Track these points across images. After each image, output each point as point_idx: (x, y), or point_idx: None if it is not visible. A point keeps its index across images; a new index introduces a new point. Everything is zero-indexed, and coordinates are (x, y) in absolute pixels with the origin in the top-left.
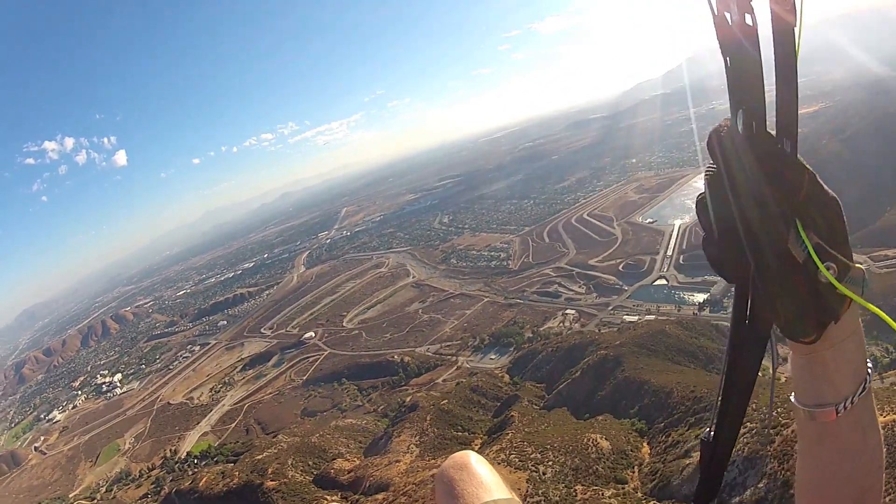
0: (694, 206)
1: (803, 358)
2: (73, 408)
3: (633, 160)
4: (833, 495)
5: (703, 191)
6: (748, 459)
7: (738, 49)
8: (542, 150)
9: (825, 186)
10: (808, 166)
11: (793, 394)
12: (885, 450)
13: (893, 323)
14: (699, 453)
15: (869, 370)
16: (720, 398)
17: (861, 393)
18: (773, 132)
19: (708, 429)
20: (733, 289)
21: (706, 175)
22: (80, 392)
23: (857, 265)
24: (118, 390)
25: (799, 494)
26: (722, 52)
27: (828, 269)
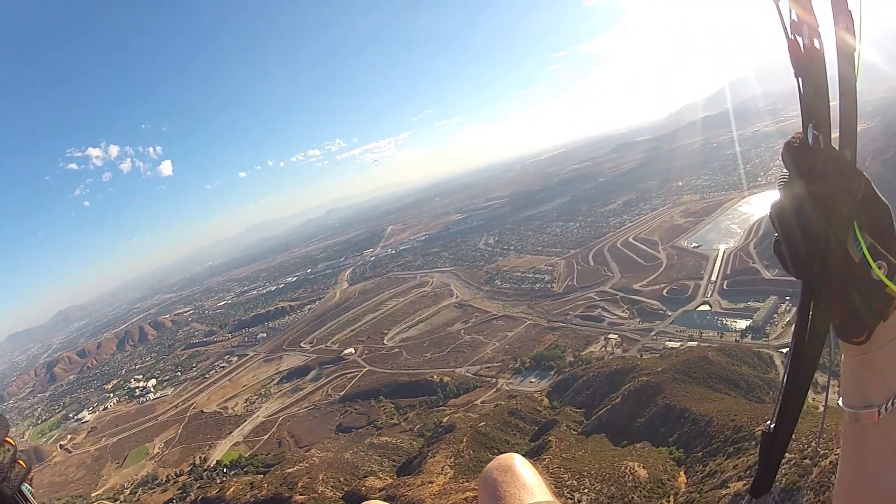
0: (769, 211)
1: (853, 360)
2: (104, 409)
3: (679, 183)
4: (872, 498)
5: (777, 198)
6: (785, 491)
7: (808, 70)
8: (589, 172)
9: (878, 192)
10: (864, 173)
11: (840, 398)
12: None
13: None
14: (759, 444)
15: None
16: (782, 391)
17: None
18: (836, 144)
19: (769, 421)
20: (800, 292)
21: (780, 182)
22: (112, 395)
23: None
24: (151, 395)
25: (837, 497)
26: (795, 74)
27: (879, 267)
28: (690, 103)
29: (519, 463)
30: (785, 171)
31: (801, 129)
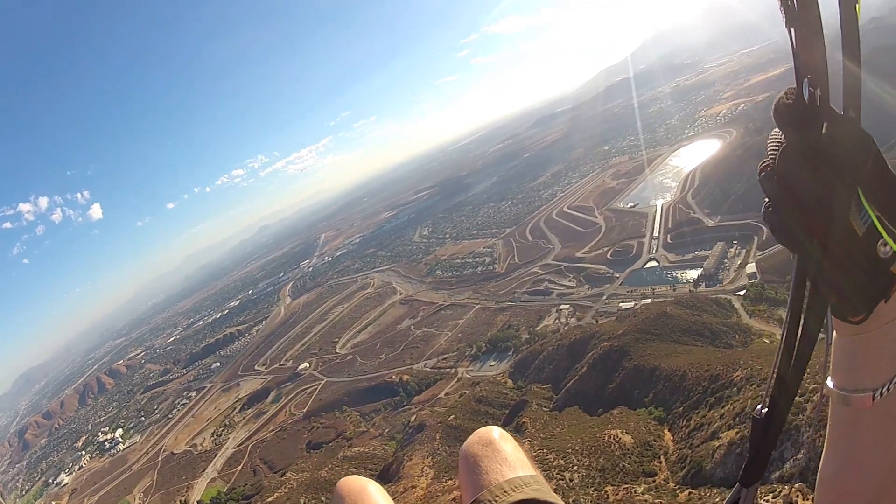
0: (758, 174)
1: (847, 339)
2: (80, 469)
3: (606, 147)
4: (860, 487)
5: (769, 160)
6: (783, 431)
7: (801, 18)
8: (512, 150)
9: (887, 162)
10: (873, 138)
11: (829, 377)
12: None
13: None
14: (750, 430)
15: None
16: (775, 374)
17: None
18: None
19: (760, 406)
20: (793, 266)
21: (771, 142)
22: (83, 452)
23: None
24: (121, 446)
25: (823, 483)
26: (786, 24)
27: (884, 244)
28: (607, 67)
29: (499, 436)
30: (777, 130)
31: (793, 85)
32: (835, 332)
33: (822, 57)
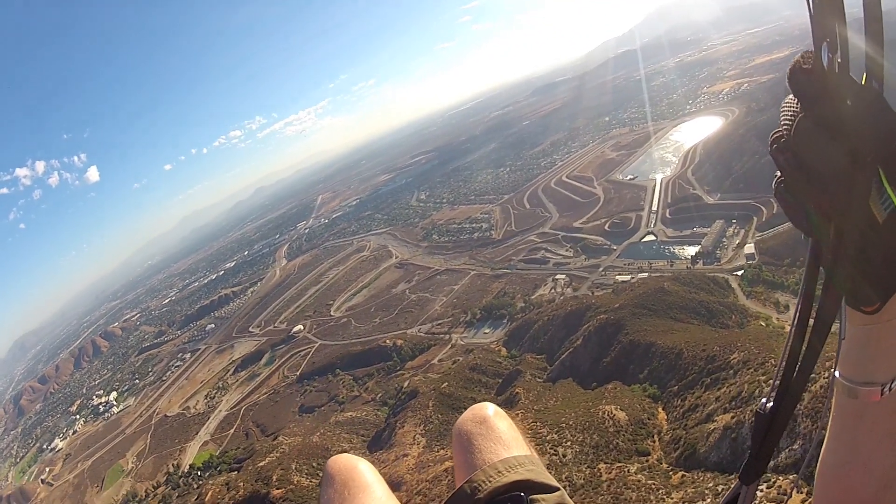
0: (770, 146)
1: (859, 329)
2: (74, 433)
3: (607, 118)
4: (864, 482)
5: (780, 128)
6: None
7: None
8: (512, 117)
9: None
10: None
11: (836, 367)
12: None
13: None
14: (753, 425)
15: None
16: (783, 367)
17: None
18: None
19: (765, 400)
20: (808, 250)
21: (785, 110)
22: (78, 416)
23: None
24: (115, 409)
25: (824, 476)
26: None
27: None
28: (609, 39)
29: (493, 413)
30: (791, 97)
31: (811, 50)
32: (848, 320)
33: (841, 20)
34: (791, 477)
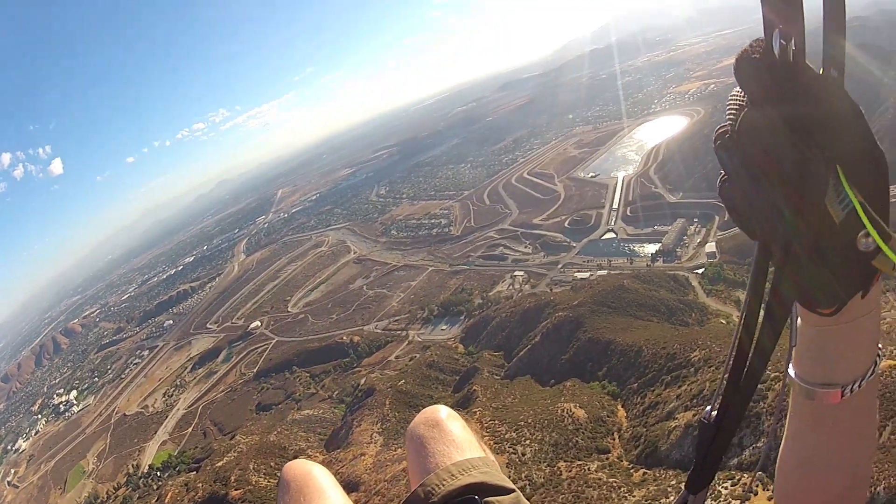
0: (713, 141)
1: (815, 330)
2: (36, 433)
3: (570, 116)
4: (824, 480)
5: (726, 123)
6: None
7: None
8: (476, 113)
9: (875, 138)
10: (859, 105)
11: (791, 366)
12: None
13: None
14: (697, 434)
15: (880, 350)
16: (727, 374)
17: (870, 376)
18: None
19: (709, 408)
20: (755, 248)
21: (730, 103)
22: (40, 416)
23: (895, 234)
24: (75, 408)
25: (783, 474)
26: None
27: (867, 235)
28: (576, 38)
29: (446, 416)
30: (738, 90)
31: (761, 38)
32: (802, 320)
33: (796, 6)
34: (756, 474)
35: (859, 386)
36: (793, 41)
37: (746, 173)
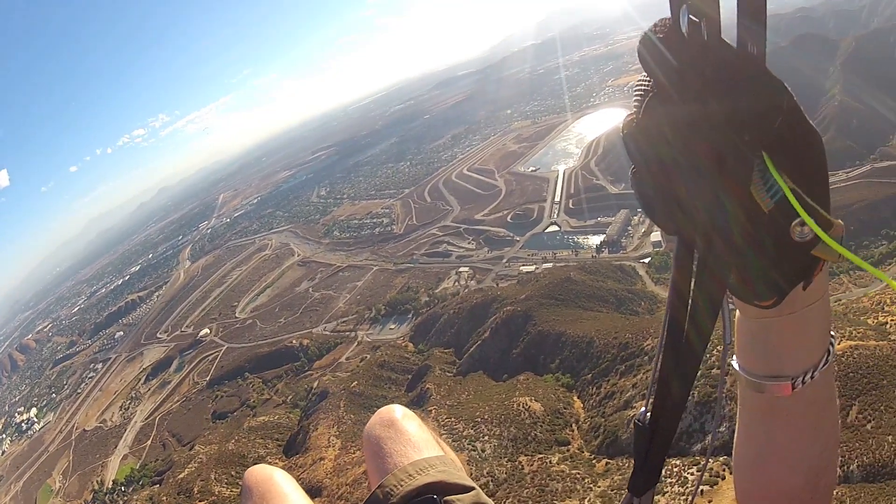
0: (621, 131)
1: (755, 322)
2: (3, 454)
3: (508, 111)
4: (782, 475)
5: (633, 111)
6: (701, 404)
7: None
8: (413, 111)
9: (806, 115)
10: (784, 82)
11: (735, 359)
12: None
13: None
14: (633, 437)
15: (832, 339)
16: (656, 375)
17: (823, 366)
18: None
19: (644, 409)
20: (675, 241)
21: (637, 91)
22: (4, 435)
23: (837, 221)
24: (37, 426)
25: (740, 469)
26: None
27: (802, 224)
28: (511, 35)
29: (401, 415)
30: (644, 75)
31: (667, 17)
32: (739, 312)
33: None
34: (721, 458)
35: (812, 377)
36: (704, 19)
37: (656, 165)
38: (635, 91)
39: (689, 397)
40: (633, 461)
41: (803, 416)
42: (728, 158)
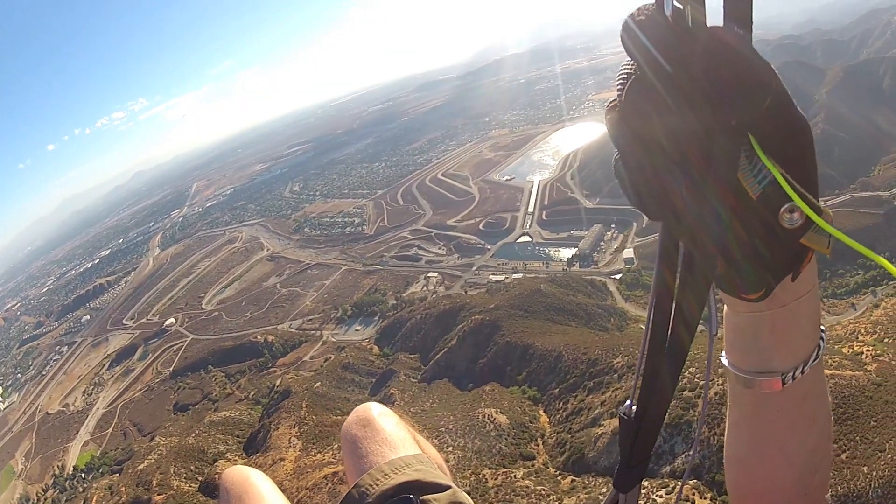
0: (604, 117)
1: (743, 317)
2: None
3: (487, 119)
4: (775, 470)
5: (617, 97)
6: (671, 426)
7: None
8: (391, 112)
9: (794, 102)
10: (772, 65)
11: (724, 354)
12: (832, 417)
13: None
14: (619, 431)
15: (823, 333)
16: (642, 366)
17: (813, 361)
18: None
19: (629, 401)
20: (659, 229)
21: (620, 76)
22: None
23: (826, 209)
24: (1, 405)
25: (732, 465)
26: None
27: (791, 210)
28: (495, 43)
29: (378, 414)
30: (628, 61)
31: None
32: (727, 306)
33: None
34: (692, 482)
35: (802, 372)
36: (688, 3)
37: (639, 149)
38: (618, 76)
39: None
40: (601, 478)
41: (794, 411)
42: (712, 144)
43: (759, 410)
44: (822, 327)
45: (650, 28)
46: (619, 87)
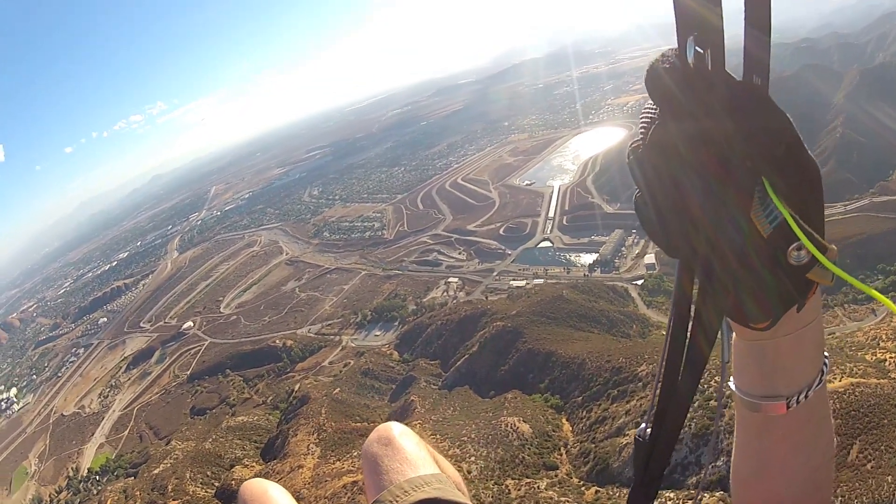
0: (626, 156)
1: (751, 344)
2: None
3: (506, 123)
4: (778, 490)
5: (639, 138)
6: (698, 436)
7: None
8: (411, 116)
9: (805, 146)
10: (787, 113)
11: (731, 379)
12: (836, 439)
13: None
14: (633, 451)
15: (826, 359)
16: (658, 390)
17: (817, 385)
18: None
19: (644, 425)
20: (676, 265)
21: (643, 118)
22: None
23: (831, 246)
24: (16, 406)
25: (737, 484)
26: None
27: (799, 248)
28: (514, 48)
29: (399, 433)
30: (650, 103)
31: (675, 46)
32: (736, 333)
33: (714, 8)
34: (718, 494)
35: (805, 396)
36: (709, 49)
37: (660, 189)
38: (641, 118)
39: (687, 427)
40: (625, 490)
41: (798, 433)
42: (729, 186)
43: (764, 433)
44: (826, 353)
45: (673, 74)
46: (642, 129)
